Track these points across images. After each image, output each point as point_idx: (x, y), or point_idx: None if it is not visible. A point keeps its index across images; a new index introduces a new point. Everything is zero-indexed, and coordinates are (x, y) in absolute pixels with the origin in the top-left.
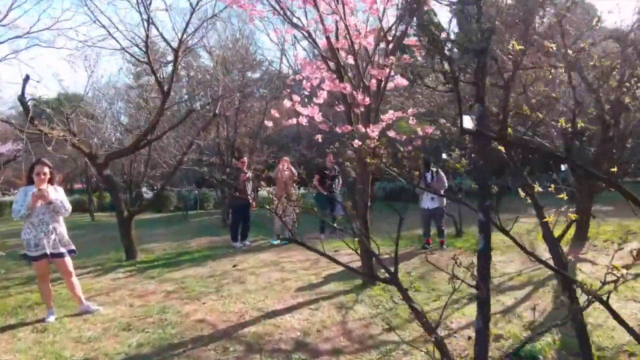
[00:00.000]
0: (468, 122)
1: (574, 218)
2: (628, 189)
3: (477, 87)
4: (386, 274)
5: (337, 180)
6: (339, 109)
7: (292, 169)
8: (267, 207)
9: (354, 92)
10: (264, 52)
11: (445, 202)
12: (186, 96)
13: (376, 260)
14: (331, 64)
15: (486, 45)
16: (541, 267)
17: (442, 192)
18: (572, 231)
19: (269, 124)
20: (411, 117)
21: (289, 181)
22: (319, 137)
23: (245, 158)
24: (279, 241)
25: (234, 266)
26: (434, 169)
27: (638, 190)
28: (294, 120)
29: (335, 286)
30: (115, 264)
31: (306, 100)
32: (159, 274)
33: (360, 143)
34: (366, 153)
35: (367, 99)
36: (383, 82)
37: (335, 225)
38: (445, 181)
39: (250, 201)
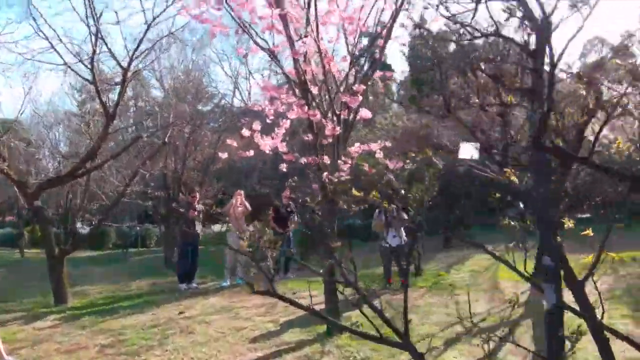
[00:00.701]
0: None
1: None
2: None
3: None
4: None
5: (292, 217)
6: (303, 138)
7: (246, 204)
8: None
9: (323, 121)
10: (217, 85)
11: (404, 240)
12: (133, 126)
13: (378, 315)
14: (297, 91)
15: None
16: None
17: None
18: (528, 267)
19: (223, 155)
20: (378, 151)
21: (242, 217)
22: (284, 167)
23: (196, 193)
24: (229, 283)
25: (180, 313)
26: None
27: None
28: (251, 152)
29: (297, 334)
30: (44, 309)
31: (266, 129)
32: (92, 324)
33: (328, 176)
34: (339, 186)
35: (338, 128)
36: (353, 111)
37: (288, 266)
38: (405, 217)
39: (199, 237)
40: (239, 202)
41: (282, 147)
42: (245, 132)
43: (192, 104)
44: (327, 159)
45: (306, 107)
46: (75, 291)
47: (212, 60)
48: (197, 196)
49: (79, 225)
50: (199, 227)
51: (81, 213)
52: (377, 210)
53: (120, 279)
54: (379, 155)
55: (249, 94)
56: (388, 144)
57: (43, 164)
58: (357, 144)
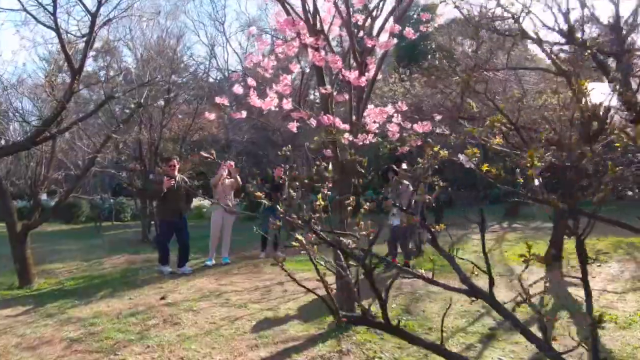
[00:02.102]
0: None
1: None
2: None
3: None
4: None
5: (281, 191)
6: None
7: (237, 177)
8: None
9: (343, 71)
10: (192, 54)
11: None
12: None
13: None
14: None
15: None
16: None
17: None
18: (542, 251)
19: (211, 116)
20: (395, 116)
21: (230, 191)
22: (294, 127)
23: (175, 161)
24: (213, 262)
25: (162, 298)
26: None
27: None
28: (244, 113)
29: (304, 327)
30: (6, 292)
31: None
32: (60, 311)
33: (352, 140)
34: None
35: (364, 79)
36: (378, 61)
37: (277, 241)
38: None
39: (185, 213)
40: (228, 174)
41: (288, 104)
42: (238, 89)
43: (168, 73)
44: (339, 122)
45: (323, 52)
46: (42, 270)
47: (188, 27)
48: (176, 165)
49: (44, 197)
50: (186, 204)
51: (46, 184)
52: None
53: (92, 256)
54: (397, 120)
55: (227, 62)
56: (403, 107)
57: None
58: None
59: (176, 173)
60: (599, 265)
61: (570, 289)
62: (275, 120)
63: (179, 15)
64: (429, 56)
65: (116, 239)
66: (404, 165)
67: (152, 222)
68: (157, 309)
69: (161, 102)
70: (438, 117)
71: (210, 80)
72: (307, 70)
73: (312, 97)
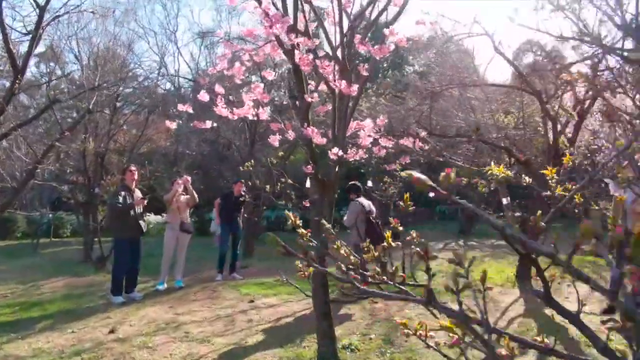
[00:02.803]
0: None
1: None
2: None
3: None
4: None
5: (241, 208)
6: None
7: (194, 193)
8: None
9: (332, 81)
10: (141, 63)
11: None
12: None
13: None
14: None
15: None
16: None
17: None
18: (512, 270)
19: (172, 125)
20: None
21: (186, 208)
22: (275, 140)
23: (134, 170)
24: (165, 285)
25: (111, 332)
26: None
27: None
28: (208, 123)
29: None
30: None
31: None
32: None
33: (336, 154)
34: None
35: (355, 88)
36: (370, 67)
37: (234, 264)
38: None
39: (143, 232)
40: (183, 190)
41: (263, 114)
42: (204, 97)
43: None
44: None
45: (311, 55)
46: None
47: (137, 34)
48: (136, 175)
49: None
50: (143, 221)
51: None
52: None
53: (29, 277)
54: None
55: (177, 72)
56: (382, 121)
57: None
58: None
59: (134, 184)
60: (569, 285)
61: (549, 311)
62: (232, 133)
63: (130, 22)
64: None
65: (56, 257)
66: (369, 183)
67: (95, 239)
68: (106, 346)
69: (107, 111)
70: (423, 133)
71: (160, 91)
72: (274, 76)
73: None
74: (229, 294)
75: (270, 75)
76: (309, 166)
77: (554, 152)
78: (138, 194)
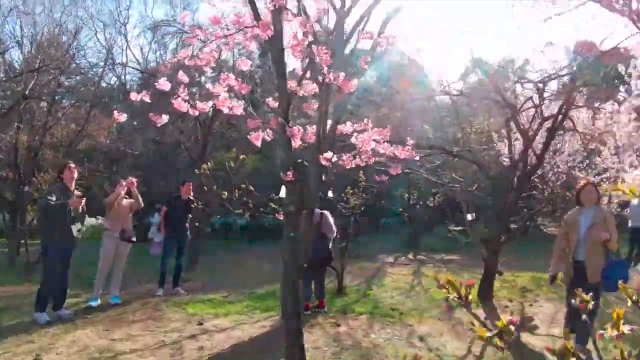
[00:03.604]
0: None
1: None
2: None
3: None
4: None
5: (189, 214)
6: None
7: (139, 197)
8: None
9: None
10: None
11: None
12: None
13: None
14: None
15: None
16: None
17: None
18: (474, 291)
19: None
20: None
21: (129, 213)
22: (256, 139)
23: (73, 168)
24: (99, 301)
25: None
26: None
27: None
28: (165, 117)
29: None
30: None
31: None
32: None
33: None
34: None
35: (353, 83)
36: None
37: (178, 278)
38: (333, 224)
39: (76, 240)
40: (127, 193)
41: (238, 109)
42: (165, 85)
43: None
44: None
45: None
46: None
47: (85, 23)
48: (75, 173)
49: None
50: (75, 228)
51: None
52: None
53: None
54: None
55: (125, 65)
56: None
57: None
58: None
59: (73, 184)
60: (531, 305)
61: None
62: (180, 133)
63: (77, 11)
64: None
65: None
66: (330, 194)
67: (22, 242)
68: None
69: (45, 101)
70: (411, 142)
71: (103, 84)
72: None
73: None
74: (174, 314)
75: (245, 64)
76: (288, 172)
77: (523, 167)
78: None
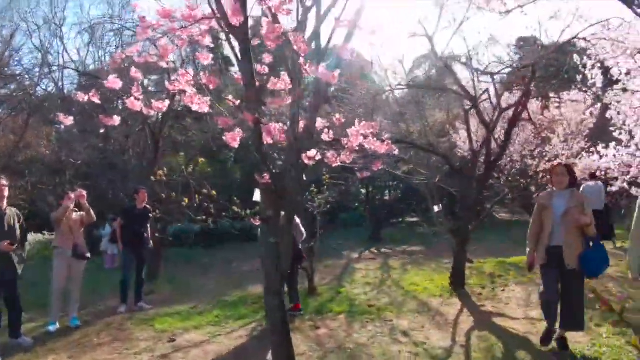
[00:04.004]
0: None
1: None
2: None
3: None
4: None
5: (147, 224)
6: None
7: (90, 210)
8: None
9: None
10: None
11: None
12: None
13: None
14: None
15: None
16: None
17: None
18: (445, 280)
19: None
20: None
21: (80, 228)
22: (234, 140)
23: (3, 180)
24: (57, 325)
25: None
26: None
27: None
28: (117, 120)
29: None
30: None
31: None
32: None
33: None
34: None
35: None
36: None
37: (141, 292)
38: (303, 229)
39: (17, 263)
40: (76, 206)
41: (204, 106)
42: (115, 83)
43: None
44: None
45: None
46: None
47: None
48: (6, 191)
49: None
50: (17, 258)
51: None
52: None
53: None
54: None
55: (62, 69)
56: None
57: None
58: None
59: (5, 202)
60: (503, 290)
61: (496, 320)
62: (124, 138)
63: (13, 16)
64: None
65: None
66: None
67: None
68: None
69: None
70: (387, 135)
71: (40, 90)
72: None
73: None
74: (142, 332)
75: (206, 58)
76: (264, 174)
77: (487, 158)
78: (11, 214)
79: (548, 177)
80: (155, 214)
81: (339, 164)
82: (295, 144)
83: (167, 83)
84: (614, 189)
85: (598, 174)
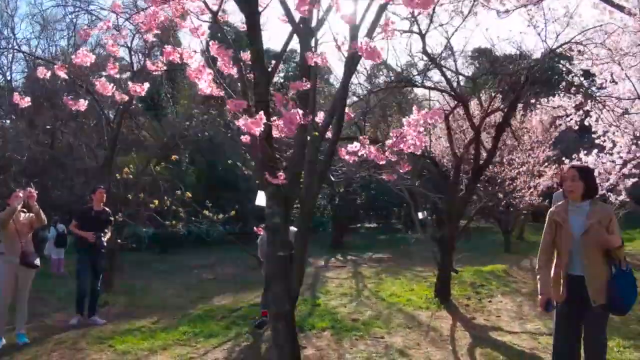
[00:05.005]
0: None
1: None
2: None
3: None
4: None
5: (107, 228)
6: None
7: (40, 212)
8: None
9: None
10: None
11: None
12: None
13: None
14: None
15: None
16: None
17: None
18: (428, 290)
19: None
20: None
21: (28, 232)
22: (257, 125)
23: None
24: (4, 341)
25: None
26: None
27: None
28: (82, 104)
29: None
30: None
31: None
32: None
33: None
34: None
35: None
36: None
37: (95, 304)
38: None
39: None
40: (24, 207)
41: (217, 90)
42: (84, 58)
43: None
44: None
45: None
46: None
47: None
48: None
49: None
50: None
51: None
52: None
53: None
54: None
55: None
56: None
57: None
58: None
59: None
60: (490, 301)
61: (493, 334)
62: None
63: None
64: None
65: None
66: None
67: None
68: None
69: None
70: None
71: None
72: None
73: None
74: (100, 354)
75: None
76: (277, 173)
77: (475, 163)
78: None
79: (559, 184)
80: (117, 218)
81: (383, 162)
82: (317, 138)
83: (148, 63)
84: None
85: None
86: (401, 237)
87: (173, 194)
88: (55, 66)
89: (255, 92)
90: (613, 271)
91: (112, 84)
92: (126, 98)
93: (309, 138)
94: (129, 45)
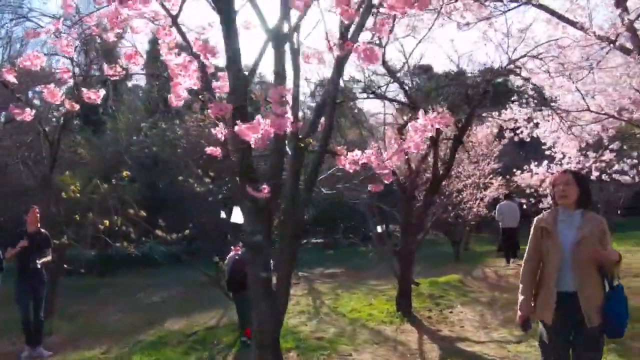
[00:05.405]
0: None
1: None
2: None
3: None
4: None
5: (45, 251)
6: None
7: None
8: None
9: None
10: None
11: None
12: None
13: None
14: None
15: None
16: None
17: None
18: (389, 304)
19: None
20: None
21: None
22: (255, 130)
23: None
24: None
25: None
26: None
27: None
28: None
29: None
30: None
31: None
32: None
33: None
34: None
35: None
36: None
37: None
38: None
39: None
40: None
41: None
42: (34, 60)
43: None
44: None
45: None
46: None
47: None
48: None
49: None
50: None
51: None
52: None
53: None
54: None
55: None
56: None
57: None
58: None
59: None
60: (451, 312)
61: (461, 345)
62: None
63: None
64: None
65: None
66: (222, 214)
67: None
68: None
69: None
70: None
71: None
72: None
73: None
74: None
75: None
76: (260, 186)
77: (434, 176)
78: None
79: (551, 191)
80: (61, 241)
81: (385, 171)
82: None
83: (105, 67)
84: (545, 205)
85: (528, 191)
86: (352, 251)
87: (123, 213)
88: (4, 69)
89: (233, 98)
90: (607, 289)
91: (61, 91)
92: (77, 107)
93: (289, 146)
94: (80, 48)
